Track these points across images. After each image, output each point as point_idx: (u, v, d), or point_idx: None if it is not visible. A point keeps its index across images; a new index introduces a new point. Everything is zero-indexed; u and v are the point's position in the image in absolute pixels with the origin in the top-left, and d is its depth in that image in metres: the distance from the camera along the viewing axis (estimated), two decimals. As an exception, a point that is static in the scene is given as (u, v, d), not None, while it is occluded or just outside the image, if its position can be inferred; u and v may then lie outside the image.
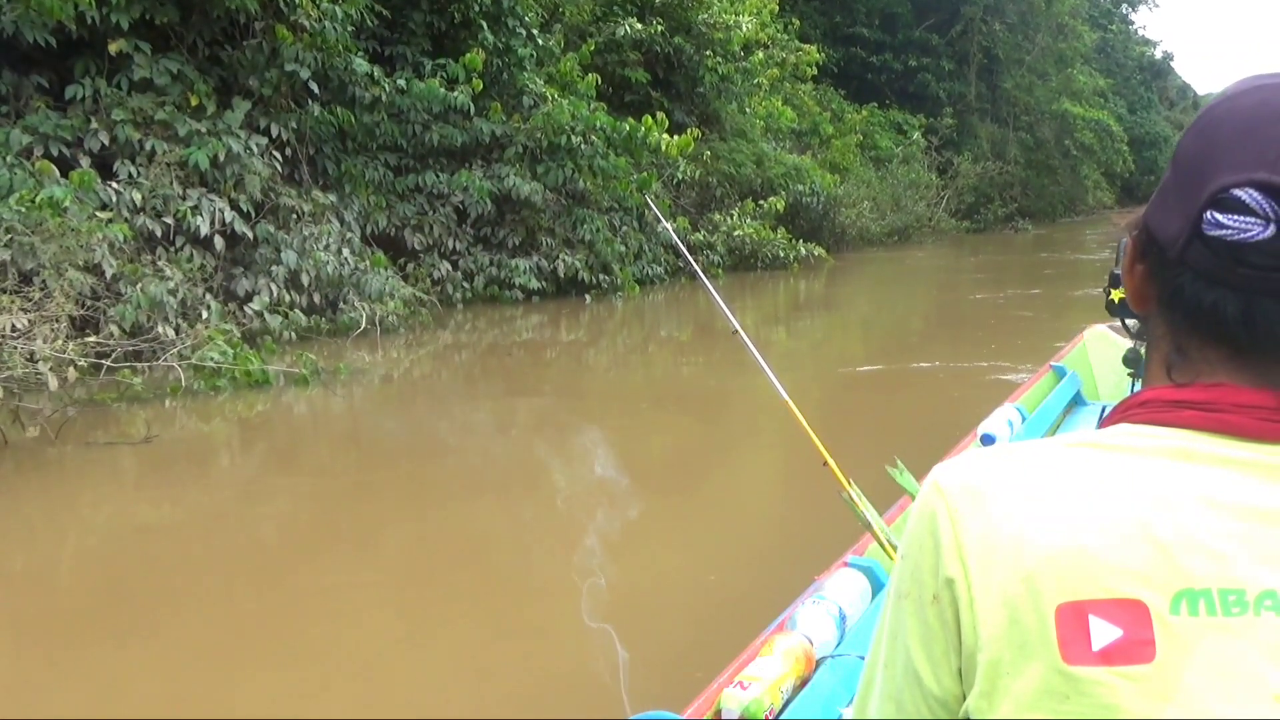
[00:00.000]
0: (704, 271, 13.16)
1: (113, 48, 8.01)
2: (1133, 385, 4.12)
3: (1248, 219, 0.65)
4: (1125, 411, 0.72)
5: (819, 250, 16.50)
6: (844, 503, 2.64)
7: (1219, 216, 0.66)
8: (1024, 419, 4.01)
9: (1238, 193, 0.65)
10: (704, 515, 4.67)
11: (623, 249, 12.47)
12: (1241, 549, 0.64)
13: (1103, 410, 4.32)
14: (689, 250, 13.01)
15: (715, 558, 4.00)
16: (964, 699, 0.68)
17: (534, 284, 11.16)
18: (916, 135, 26.46)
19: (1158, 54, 53.18)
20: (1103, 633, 0.63)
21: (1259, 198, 0.65)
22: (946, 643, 0.68)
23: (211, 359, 6.25)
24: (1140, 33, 51.23)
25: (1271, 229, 0.64)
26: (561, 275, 11.47)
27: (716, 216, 15.37)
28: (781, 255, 15.51)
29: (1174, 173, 0.71)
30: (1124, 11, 48.22)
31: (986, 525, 0.67)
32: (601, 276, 11.86)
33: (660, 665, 3.06)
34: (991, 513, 0.67)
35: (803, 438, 2.93)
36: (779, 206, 16.01)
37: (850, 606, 2.31)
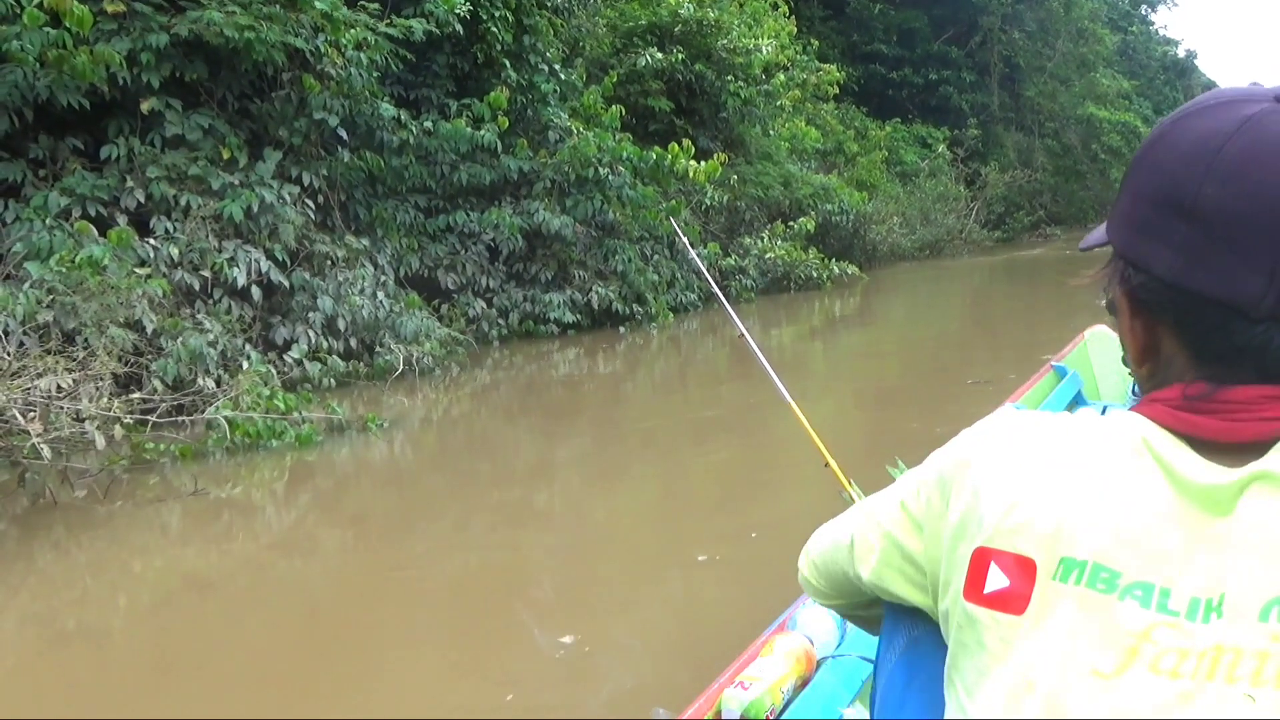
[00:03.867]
0: (732, 293, 13.25)
1: (144, 106, 8.12)
2: (1134, 385, 4.10)
3: None
4: (1137, 404, 0.78)
5: (852, 268, 16.41)
6: (844, 503, 2.69)
7: None
8: None
9: None
10: (712, 518, 4.81)
11: (655, 278, 12.44)
12: (1143, 542, 0.67)
13: (1104, 410, 4.28)
14: (715, 272, 12.99)
15: (718, 558, 4.07)
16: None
17: (568, 317, 11.14)
18: (941, 148, 26.30)
19: (1180, 53, 52.68)
20: (995, 580, 0.70)
21: None
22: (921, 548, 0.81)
23: (253, 414, 6.23)
24: (1161, 33, 50.79)
25: None
26: (595, 307, 11.44)
27: (747, 240, 15.33)
28: (814, 275, 15.42)
29: (1207, 231, 0.69)
30: (1143, 13, 47.89)
31: (970, 479, 0.76)
32: (635, 307, 11.82)
33: (662, 665, 3.10)
34: (976, 468, 0.76)
35: (812, 446, 3.00)
36: (809, 227, 15.95)
37: None
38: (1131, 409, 0.76)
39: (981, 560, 0.71)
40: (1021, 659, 0.68)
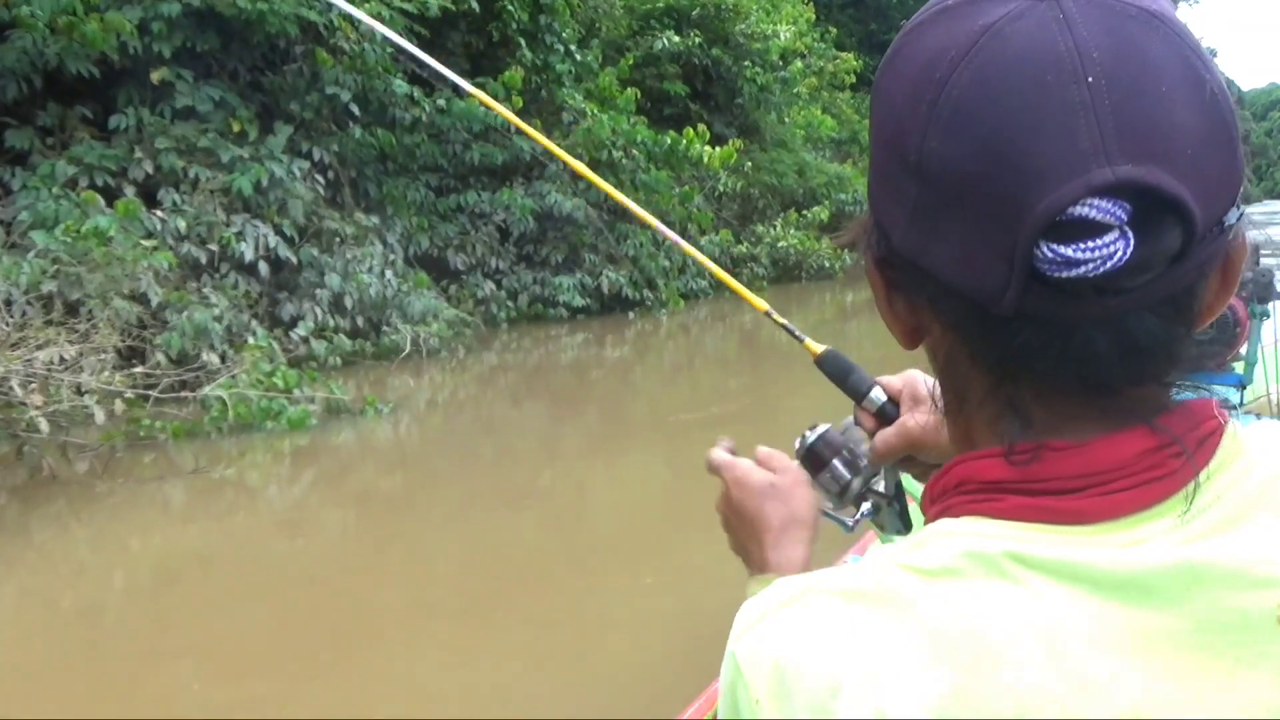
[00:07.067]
0: (744, 281, 13.16)
1: (155, 77, 8.02)
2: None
3: (1104, 240, 0.45)
4: (943, 497, 0.54)
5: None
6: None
7: (1064, 251, 0.45)
8: None
9: (1080, 210, 0.45)
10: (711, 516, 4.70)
11: (667, 263, 12.33)
12: (1168, 698, 0.45)
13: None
14: (726, 259, 12.88)
15: (718, 557, 3.98)
16: None
17: (578, 301, 11.05)
18: (958, 140, 26.14)
19: (1201, 50, 52.45)
20: None
21: (1108, 205, 0.45)
22: None
23: (250, 393, 6.13)
24: (1182, 29, 50.56)
25: (1133, 238, 0.45)
26: (605, 292, 11.35)
27: (759, 228, 15.22)
28: (827, 265, 15.32)
29: (939, 198, 0.49)
30: (1165, 8, 47.61)
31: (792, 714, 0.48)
32: (646, 292, 11.71)
33: (662, 665, 3.06)
34: (796, 701, 0.48)
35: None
36: (823, 216, 15.83)
37: None
38: (961, 512, 0.52)
39: None
40: None
